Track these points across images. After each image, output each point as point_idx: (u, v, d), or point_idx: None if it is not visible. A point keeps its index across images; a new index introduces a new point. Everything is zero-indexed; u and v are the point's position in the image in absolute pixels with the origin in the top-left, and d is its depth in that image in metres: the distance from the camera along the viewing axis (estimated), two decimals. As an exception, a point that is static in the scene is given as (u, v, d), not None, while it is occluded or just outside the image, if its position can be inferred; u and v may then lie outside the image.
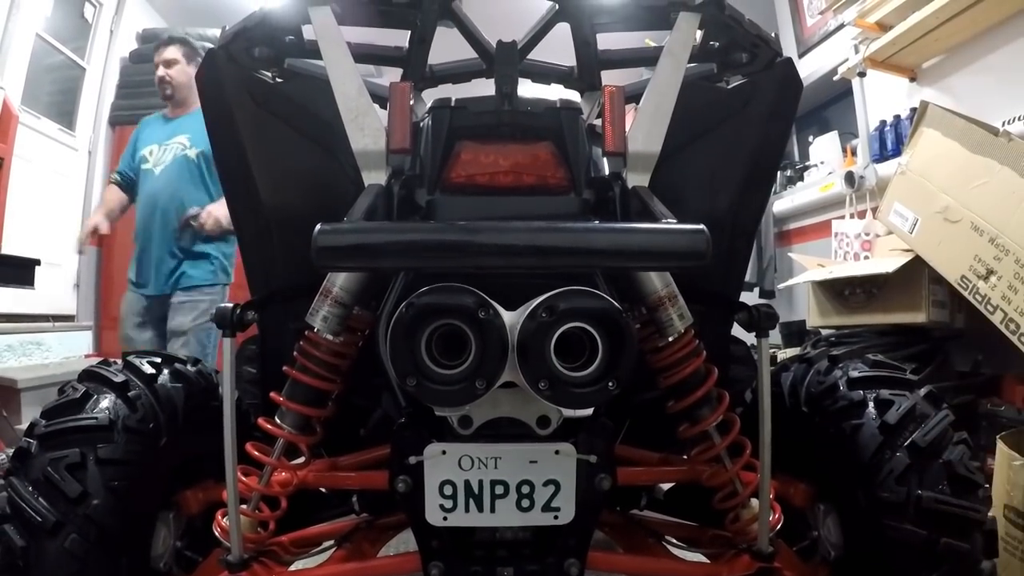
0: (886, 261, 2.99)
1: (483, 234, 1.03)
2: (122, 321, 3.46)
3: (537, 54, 1.60)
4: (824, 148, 4.80)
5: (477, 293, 1.04)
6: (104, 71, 5.45)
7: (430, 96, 1.52)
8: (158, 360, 1.45)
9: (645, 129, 1.30)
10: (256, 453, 1.30)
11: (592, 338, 1.06)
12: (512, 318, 1.06)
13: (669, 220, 1.14)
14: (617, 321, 1.05)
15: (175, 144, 3.42)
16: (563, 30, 1.55)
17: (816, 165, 4.86)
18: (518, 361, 1.04)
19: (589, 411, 1.19)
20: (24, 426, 1.32)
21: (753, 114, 1.54)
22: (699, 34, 1.42)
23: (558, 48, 1.62)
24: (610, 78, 1.58)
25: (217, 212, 3.25)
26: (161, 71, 3.47)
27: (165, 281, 3.34)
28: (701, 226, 1.03)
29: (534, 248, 1.04)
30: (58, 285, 4.77)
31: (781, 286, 4.51)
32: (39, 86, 4.67)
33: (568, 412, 1.17)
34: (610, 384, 1.05)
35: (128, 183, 3.55)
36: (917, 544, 1.23)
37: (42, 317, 4.41)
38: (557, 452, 1.17)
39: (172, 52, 3.47)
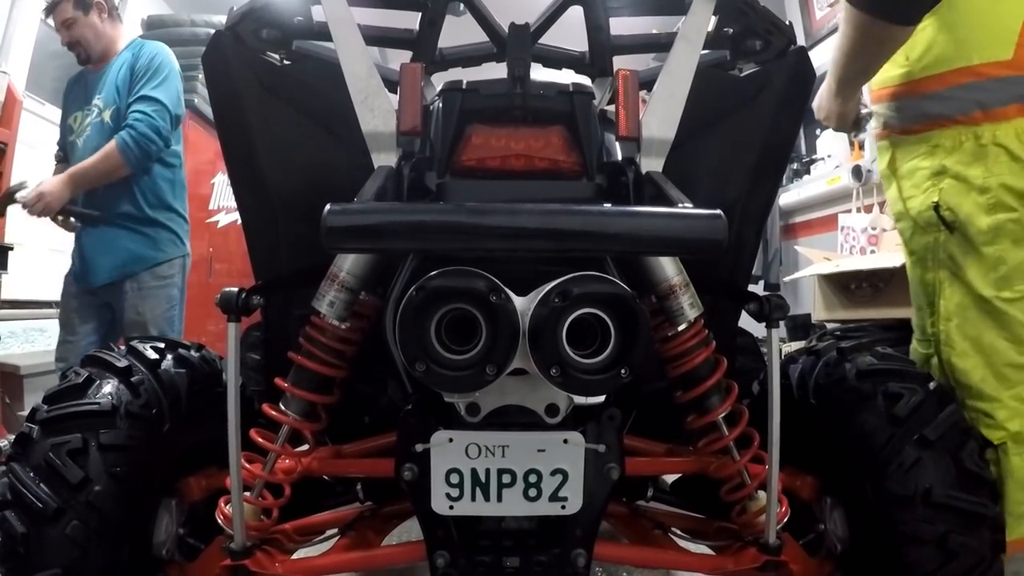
0: (893, 255, 2.98)
1: (496, 216, 1.01)
2: (64, 321, 3.07)
3: (548, 40, 1.58)
4: (831, 142, 4.79)
5: (488, 277, 1.02)
6: (108, 57, 5.44)
7: (439, 81, 1.50)
8: (162, 345, 1.44)
9: (659, 114, 1.29)
10: (260, 440, 1.29)
11: (605, 325, 1.04)
12: (523, 303, 1.05)
13: (686, 205, 1.13)
14: (631, 308, 1.03)
15: (92, 108, 2.98)
16: (576, 15, 1.54)
17: (823, 159, 4.85)
18: (529, 347, 1.03)
19: (599, 399, 1.17)
20: (27, 412, 1.31)
21: (765, 102, 1.52)
22: (713, 20, 1.40)
23: (570, 34, 1.60)
24: (620, 66, 1.57)
25: (47, 188, 2.76)
26: (64, 37, 3.00)
27: (108, 269, 2.93)
28: (718, 211, 1.02)
29: (548, 231, 1.02)
30: (62, 272, 4.76)
31: (787, 279, 4.49)
32: (43, 72, 4.65)
33: (579, 400, 1.16)
34: (622, 372, 1.03)
35: (66, 159, 3.10)
36: (925, 538, 1.23)
37: (45, 303, 4.40)
38: (565, 441, 1.16)
39: (65, 11, 2.95)
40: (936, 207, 1.50)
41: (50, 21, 3.06)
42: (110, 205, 2.90)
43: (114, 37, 3.05)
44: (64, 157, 3.13)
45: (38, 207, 2.78)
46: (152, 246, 2.96)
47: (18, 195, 2.80)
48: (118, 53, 3.02)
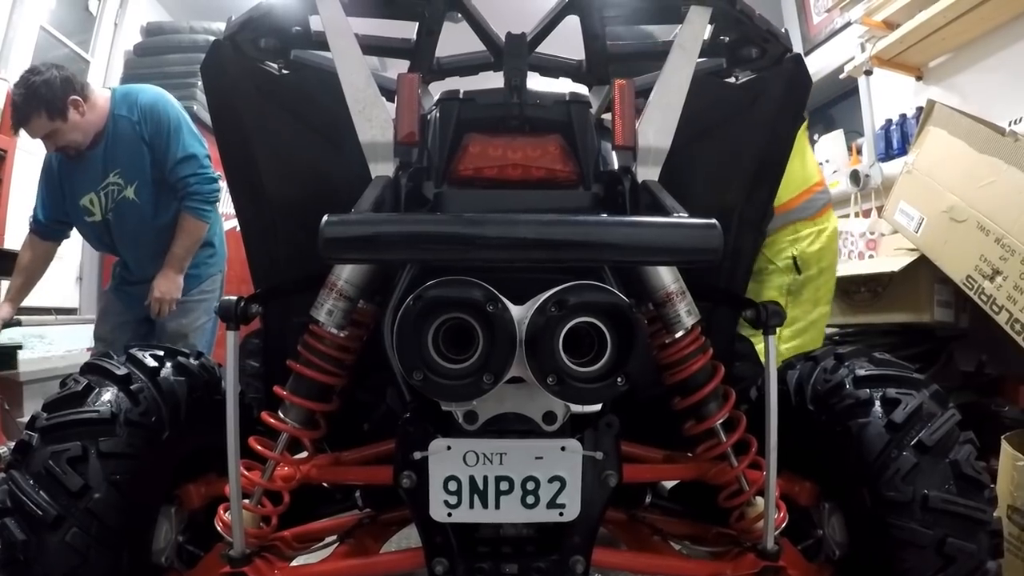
0: (891, 260, 2.98)
1: (493, 227, 1.02)
2: (100, 318, 3.20)
3: (545, 48, 1.59)
4: (829, 146, 4.79)
5: (485, 287, 1.03)
6: (108, 65, 5.44)
7: (436, 90, 1.50)
8: (161, 353, 1.44)
9: (656, 123, 1.29)
10: (259, 447, 1.29)
11: (601, 333, 1.05)
12: (520, 312, 1.05)
13: (681, 214, 1.13)
14: (627, 316, 1.04)
15: (111, 187, 2.92)
16: (572, 24, 1.54)
17: (821, 163, 4.84)
18: (526, 356, 1.03)
19: (596, 407, 1.18)
20: (26, 419, 1.31)
21: (761, 110, 1.53)
22: (709, 28, 1.41)
23: (567, 42, 1.60)
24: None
25: (161, 290, 2.91)
26: (49, 147, 2.90)
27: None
28: (714, 220, 1.02)
29: (545, 241, 1.03)
30: (61, 278, 4.76)
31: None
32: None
33: (575, 408, 1.16)
34: (619, 380, 1.04)
35: (54, 232, 3.14)
36: (922, 544, 1.23)
37: (45, 310, 4.40)
38: (563, 448, 1.16)
39: (40, 127, 2.77)
40: (794, 258, 2.50)
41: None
42: (157, 243, 2.97)
43: (98, 115, 2.90)
44: (41, 231, 3.12)
45: (165, 308, 2.93)
46: (194, 266, 3.06)
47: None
48: (106, 120, 2.91)
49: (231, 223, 4.90)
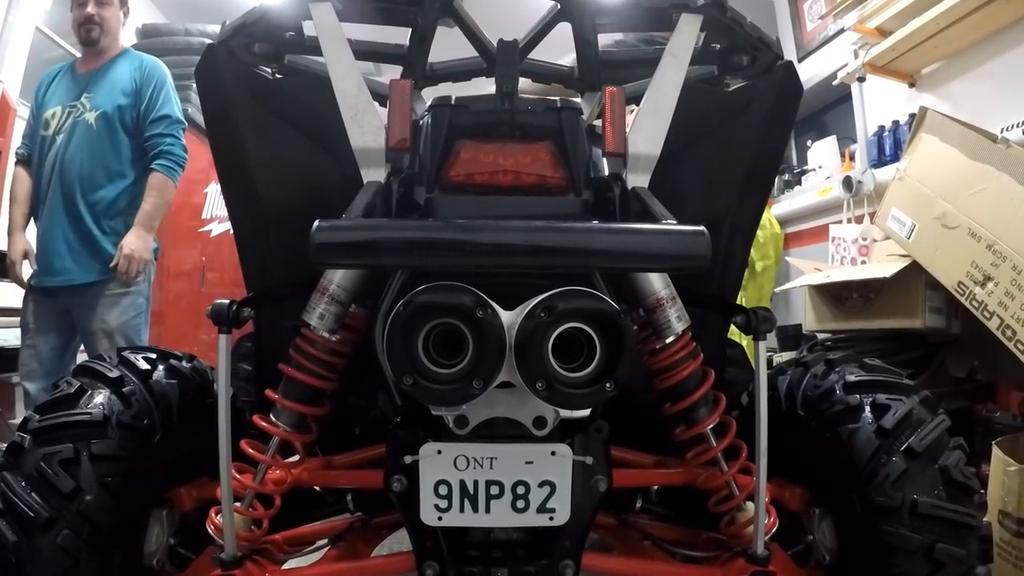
0: (883, 266, 2.99)
1: (482, 233, 1.03)
2: (23, 307, 2.98)
3: (537, 54, 1.60)
4: (822, 153, 4.80)
5: (475, 292, 1.04)
6: (103, 66, 5.43)
7: (429, 95, 1.51)
8: (153, 356, 1.45)
9: (645, 130, 1.30)
10: (250, 451, 1.29)
11: (590, 339, 1.06)
12: (510, 318, 1.06)
13: (669, 221, 1.14)
14: (616, 322, 1.05)
15: (78, 106, 2.93)
16: (565, 31, 1.55)
17: (814, 169, 4.85)
18: (515, 361, 1.04)
19: (586, 412, 1.18)
20: (18, 421, 1.31)
21: (753, 117, 1.53)
22: (700, 36, 1.41)
23: (560, 48, 1.61)
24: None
25: (132, 248, 2.82)
26: (91, 8, 2.96)
27: (78, 271, 2.86)
28: (702, 228, 1.03)
29: (533, 248, 1.04)
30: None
31: (778, 290, 4.50)
32: (38, 80, 4.66)
33: (565, 413, 1.17)
34: (607, 385, 1.05)
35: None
36: (912, 549, 1.23)
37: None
38: (553, 453, 1.17)
39: None
40: None
41: None
42: (92, 189, 2.90)
43: (113, 50, 3.09)
44: (28, 158, 3.06)
45: (133, 267, 2.83)
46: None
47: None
48: (111, 59, 3.05)
49: (224, 226, 4.91)
